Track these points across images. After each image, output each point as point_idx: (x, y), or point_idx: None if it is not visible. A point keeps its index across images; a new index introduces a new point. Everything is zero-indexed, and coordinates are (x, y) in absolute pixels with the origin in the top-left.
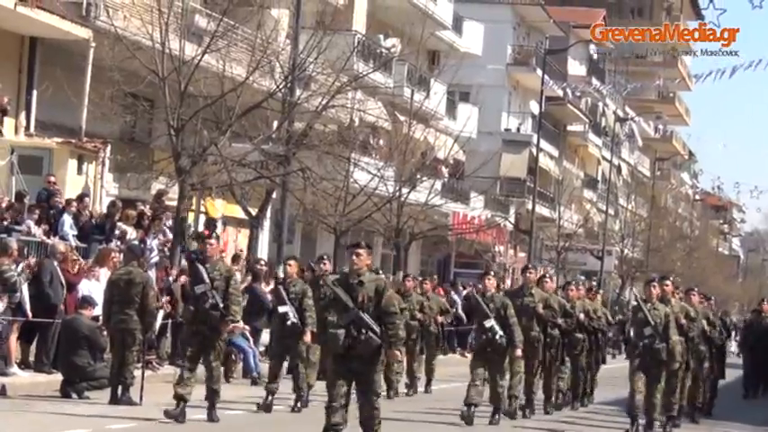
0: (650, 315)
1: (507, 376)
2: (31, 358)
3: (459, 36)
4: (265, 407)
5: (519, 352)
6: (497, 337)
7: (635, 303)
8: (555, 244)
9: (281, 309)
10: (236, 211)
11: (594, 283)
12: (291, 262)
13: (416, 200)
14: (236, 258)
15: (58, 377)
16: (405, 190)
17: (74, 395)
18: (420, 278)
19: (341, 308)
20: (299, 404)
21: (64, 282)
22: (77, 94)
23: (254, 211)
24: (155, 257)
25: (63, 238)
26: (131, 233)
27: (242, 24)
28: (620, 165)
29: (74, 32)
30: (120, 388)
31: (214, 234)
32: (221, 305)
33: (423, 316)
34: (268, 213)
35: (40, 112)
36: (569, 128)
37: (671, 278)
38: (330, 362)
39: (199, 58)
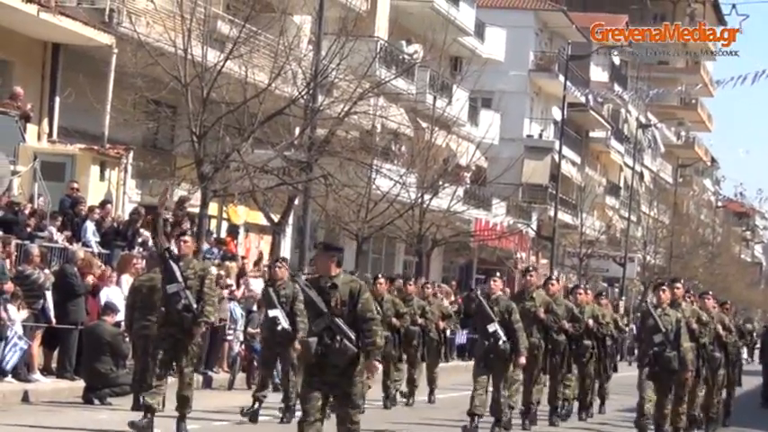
0: (661, 321)
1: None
2: (54, 364)
3: (482, 42)
4: (251, 414)
5: (523, 360)
6: (500, 342)
7: (644, 308)
8: (577, 251)
9: (272, 313)
10: (259, 218)
11: (616, 289)
12: (281, 264)
13: (438, 206)
14: (257, 263)
15: (80, 383)
16: (427, 196)
17: (96, 401)
18: (423, 281)
19: (314, 313)
20: (287, 415)
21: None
22: (100, 101)
23: (276, 218)
24: None
25: (86, 245)
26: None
27: (264, 30)
28: (642, 171)
29: (96, 39)
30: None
31: (189, 231)
32: (195, 306)
33: (424, 321)
34: (290, 220)
35: (63, 118)
36: (591, 134)
37: (681, 281)
38: (303, 372)
39: (221, 64)
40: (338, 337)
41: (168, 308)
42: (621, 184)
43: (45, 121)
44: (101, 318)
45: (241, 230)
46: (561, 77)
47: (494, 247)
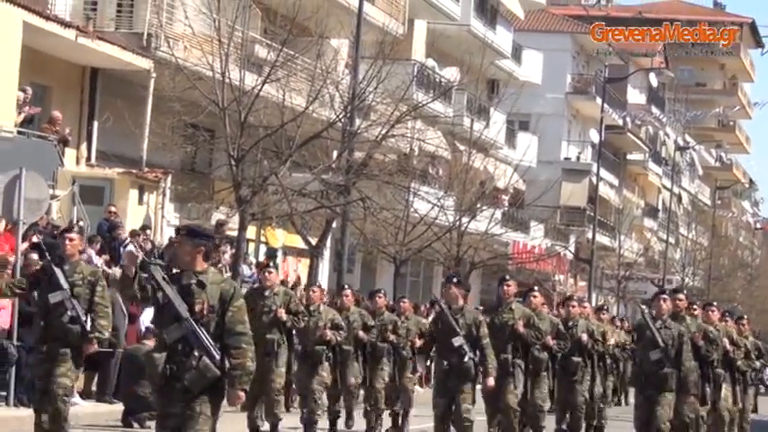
0: (660, 335)
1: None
2: (93, 388)
3: (519, 65)
4: None
5: (491, 381)
6: (466, 358)
7: (641, 320)
8: (615, 273)
9: None
10: (297, 241)
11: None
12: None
13: (476, 229)
14: (295, 286)
15: (119, 407)
16: (465, 219)
17: (135, 425)
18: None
19: (169, 317)
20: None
21: (126, 311)
22: (138, 125)
23: (314, 241)
24: None
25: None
26: None
27: (301, 54)
28: (680, 193)
29: (134, 63)
30: None
31: (75, 227)
32: (84, 318)
33: (395, 338)
34: (328, 243)
35: (101, 142)
36: (629, 156)
37: (684, 291)
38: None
39: (259, 88)
40: (196, 353)
41: (48, 321)
42: (659, 207)
43: (83, 146)
44: (140, 341)
45: (279, 254)
46: (598, 100)
47: (532, 270)
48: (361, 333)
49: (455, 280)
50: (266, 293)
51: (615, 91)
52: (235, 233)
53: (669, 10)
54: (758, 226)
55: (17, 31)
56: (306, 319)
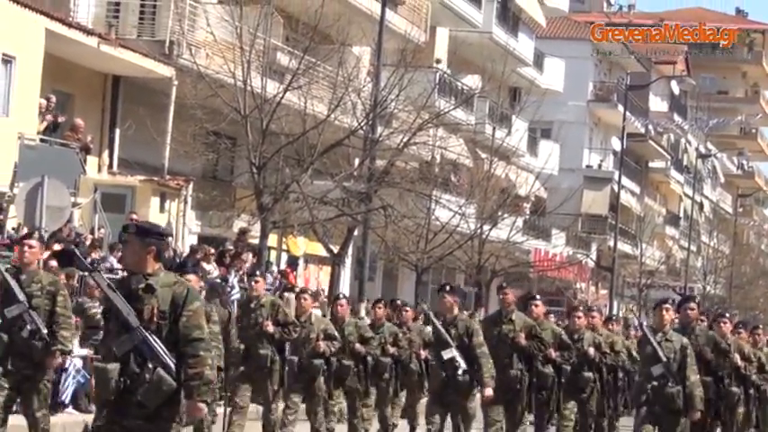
0: (661, 349)
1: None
2: None
3: (541, 73)
4: None
5: (489, 391)
6: (459, 372)
7: (642, 334)
8: (637, 281)
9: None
10: (318, 249)
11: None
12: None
13: (498, 237)
14: (315, 296)
15: None
16: (486, 227)
17: None
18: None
19: (119, 326)
20: None
21: None
22: (160, 132)
23: (335, 249)
24: (236, 294)
25: None
26: (212, 271)
27: (323, 62)
28: (702, 201)
29: (156, 71)
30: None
31: (35, 234)
32: (45, 331)
33: (396, 350)
34: (350, 251)
35: (123, 150)
36: (651, 164)
37: (697, 299)
38: (98, 411)
39: (280, 95)
40: (150, 365)
41: (11, 336)
42: (681, 215)
43: (105, 153)
44: None
45: (301, 262)
46: (620, 107)
47: (553, 278)
48: (357, 346)
49: (448, 288)
50: (252, 305)
51: (637, 99)
52: (256, 241)
53: (691, 17)
54: None
55: (40, 39)
56: (297, 330)
